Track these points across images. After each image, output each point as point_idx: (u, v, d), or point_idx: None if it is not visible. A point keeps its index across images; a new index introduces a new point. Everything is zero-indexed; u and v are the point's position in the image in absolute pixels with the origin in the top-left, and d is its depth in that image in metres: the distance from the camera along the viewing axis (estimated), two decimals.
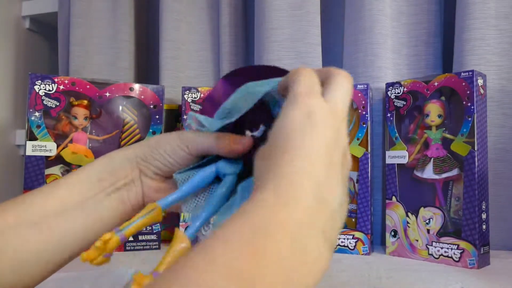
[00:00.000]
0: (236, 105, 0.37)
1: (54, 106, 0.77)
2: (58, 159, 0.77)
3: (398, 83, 0.77)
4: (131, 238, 0.79)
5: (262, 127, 0.38)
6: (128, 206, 0.40)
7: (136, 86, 0.82)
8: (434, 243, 0.70)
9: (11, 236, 0.35)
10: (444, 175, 0.71)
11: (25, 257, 0.35)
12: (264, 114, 0.38)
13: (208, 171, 0.39)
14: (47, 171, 0.76)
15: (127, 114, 0.81)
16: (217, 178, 0.40)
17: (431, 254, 0.70)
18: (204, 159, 0.40)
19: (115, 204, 0.39)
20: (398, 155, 0.76)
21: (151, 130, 0.82)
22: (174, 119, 0.93)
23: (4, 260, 0.34)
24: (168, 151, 0.39)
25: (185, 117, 0.83)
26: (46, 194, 0.38)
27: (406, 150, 0.75)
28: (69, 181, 0.39)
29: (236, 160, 0.39)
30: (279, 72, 0.36)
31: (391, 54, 0.87)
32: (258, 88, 0.35)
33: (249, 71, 0.38)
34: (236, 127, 0.40)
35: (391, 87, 0.78)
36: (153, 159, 0.40)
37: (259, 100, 0.36)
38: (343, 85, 0.31)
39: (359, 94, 0.78)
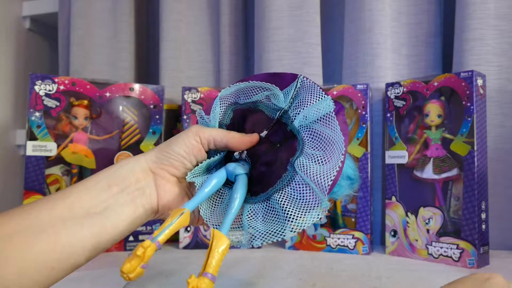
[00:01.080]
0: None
1: (54, 106, 0.77)
2: (59, 159, 0.77)
3: (398, 83, 0.77)
4: (131, 238, 0.79)
5: (265, 131, 0.44)
6: (141, 210, 0.40)
7: (136, 86, 0.82)
8: (433, 243, 0.70)
9: (17, 242, 0.34)
10: (444, 175, 0.71)
11: (31, 264, 0.34)
12: (264, 120, 0.44)
13: (221, 174, 0.42)
14: (48, 171, 0.76)
15: (127, 114, 0.81)
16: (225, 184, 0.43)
17: (431, 254, 0.70)
18: (210, 158, 0.43)
19: (126, 209, 0.39)
20: (398, 155, 0.76)
21: (151, 130, 0.82)
22: (174, 119, 0.94)
23: (10, 266, 0.34)
24: (180, 143, 0.41)
25: (185, 117, 0.83)
26: (54, 201, 0.37)
27: (406, 150, 0.75)
28: (78, 189, 0.39)
29: (242, 162, 0.43)
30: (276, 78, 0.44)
31: (391, 54, 0.87)
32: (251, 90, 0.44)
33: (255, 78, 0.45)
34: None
35: (391, 87, 0.78)
36: (166, 158, 0.41)
37: (255, 109, 0.44)
38: None
39: (359, 94, 0.78)
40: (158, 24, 1.03)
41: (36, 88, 0.76)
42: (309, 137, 0.40)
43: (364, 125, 0.77)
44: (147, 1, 1.14)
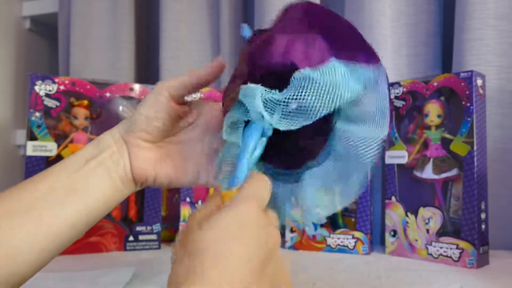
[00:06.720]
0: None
1: (54, 107, 0.77)
2: (59, 159, 0.77)
3: (398, 83, 0.77)
4: (131, 238, 0.79)
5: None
6: (118, 182, 0.40)
7: (136, 86, 0.82)
8: (433, 243, 0.70)
9: (3, 226, 0.35)
10: (444, 175, 0.71)
11: (19, 247, 0.35)
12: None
13: (257, 133, 0.35)
14: None
15: (127, 114, 0.81)
16: None
17: (431, 254, 0.70)
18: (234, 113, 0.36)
19: (104, 182, 0.39)
20: (398, 155, 0.76)
21: None
22: None
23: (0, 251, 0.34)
24: (148, 105, 0.40)
25: None
26: (35, 183, 0.38)
27: (406, 150, 0.76)
28: (57, 168, 0.39)
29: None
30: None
31: (391, 54, 0.87)
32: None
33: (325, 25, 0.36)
34: None
35: (390, 87, 0.78)
36: (135, 123, 0.40)
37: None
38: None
39: None
40: (158, 24, 1.03)
41: (36, 88, 0.76)
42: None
43: None
44: (147, 1, 1.14)
